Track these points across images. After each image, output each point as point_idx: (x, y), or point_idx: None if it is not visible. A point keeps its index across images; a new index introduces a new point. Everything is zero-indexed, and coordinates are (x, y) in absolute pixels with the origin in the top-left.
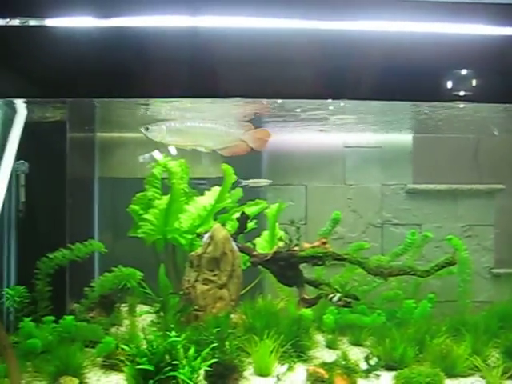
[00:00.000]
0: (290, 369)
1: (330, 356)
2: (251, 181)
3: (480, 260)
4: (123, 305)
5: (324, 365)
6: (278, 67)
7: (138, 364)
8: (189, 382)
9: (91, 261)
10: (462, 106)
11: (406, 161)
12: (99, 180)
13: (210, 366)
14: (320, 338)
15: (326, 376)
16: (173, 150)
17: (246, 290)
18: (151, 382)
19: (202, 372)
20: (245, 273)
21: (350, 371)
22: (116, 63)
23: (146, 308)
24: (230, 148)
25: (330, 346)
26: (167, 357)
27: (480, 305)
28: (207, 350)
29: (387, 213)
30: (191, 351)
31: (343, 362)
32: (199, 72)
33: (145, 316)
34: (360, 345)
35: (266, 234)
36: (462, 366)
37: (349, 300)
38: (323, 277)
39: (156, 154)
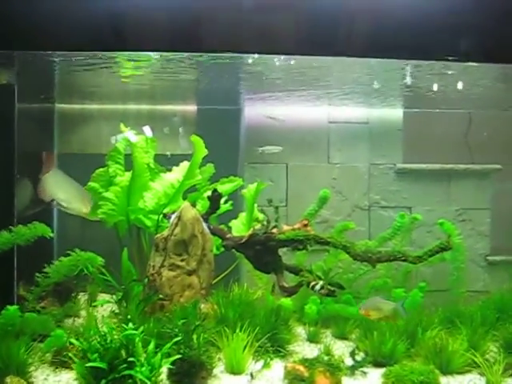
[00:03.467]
0: (265, 365)
1: (311, 351)
2: (266, 148)
3: (475, 246)
4: (82, 294)
5: (304, 361)
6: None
7: (89, 361)
8: (147, 381)
9: (47, 244)
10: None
11: (395, 138)
12: (59, 156)
13: (173, 363)
14: (301, 330)
15: (306, 374)
16: (148, 131)
17: (219, 277)
18: (103, 382)
19: (164, 370)
20: (218, 258)
21: (333, 368)
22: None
23: (108, 297)
24: None
25: (312, 339)
26: (123, 353)
27: (475, 295)
28: (169, 345)
29: (375, 194)
30: (151, 346)
31: (326, 358)
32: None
33: (107, 306)
34: (345, 338)
35: (243, 216)
36: (459, 362)
37: (333, 288)
38: (304, 264)
39: (129, 134)
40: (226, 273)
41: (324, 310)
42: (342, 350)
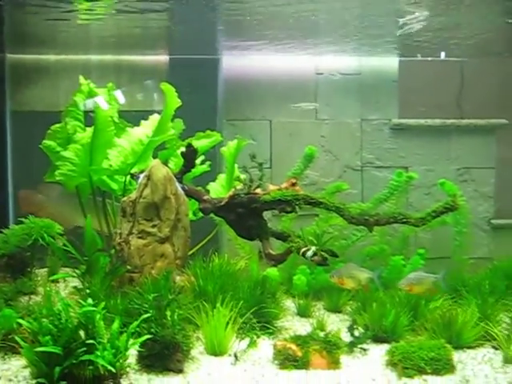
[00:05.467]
0: (251, 344)
1: (302, 326)
2: (303, 104)
3: (478, 209)
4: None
5: (296, 339)
6: None
7: (40, 345)
8: (110, 367)
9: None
10: None
11: (390, 90)
12: (12, 114)
13: (143, 344)
14: (290, 304)
15: (300, 353)
16: (121, 97)
17: (197, 246)
18: (58, 369)
19: (132, 353)
20: (197, 224)
21: (330, 346)
22: None
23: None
24: None
25: (302, 313)
26: (81, 334)
27: (478, 261)
28: (136, 324)
29: (368, 153)
30: (115, 325)
31: (321, 335)
32: None
33: (70, 282)
34: (339, 311)
35: (222, 177)
36: (470, 335)
37: (326, 255)
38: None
39: (99, 100)
40: (204, 241)
41: (315, 281)
42: (336, 324)
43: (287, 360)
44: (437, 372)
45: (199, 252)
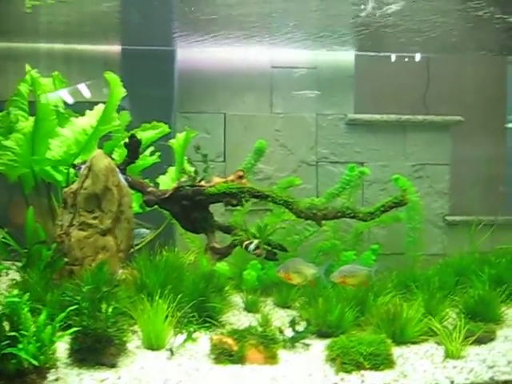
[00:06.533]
0: (188, 339)
1: (248, 321)
2: (299, 92)
3: (432, 205)
4: None
5: (233, 333)
6: None
7: None
8: (33, 361)
9: None
10: None
11: (346, 85)
12: None
13: (74, 338)
14: (238, 299)
15: (236, 347)
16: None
17: (146, 240)
18: None
19: (63, 346)
20: (148, 217)
21: (267, 341)
22: None
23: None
24: None
25: (250, 308)
26: (6, 326)
27: (432, 258)
28: (62, 316)
29: (323, 148)
30: (41, 317)
31: (259, 329)
32: None
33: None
34: (288, 307)
35: (172, 170)
36: (414, 331)
37: (269, 248)
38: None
39: (63, 93)
40: (154, 235)
41: (265, 276)
42: (283, 319)
43: (223, 354)
44: (375, 367)
45: (154, 246)
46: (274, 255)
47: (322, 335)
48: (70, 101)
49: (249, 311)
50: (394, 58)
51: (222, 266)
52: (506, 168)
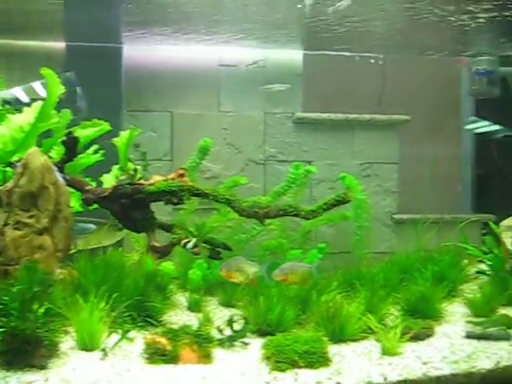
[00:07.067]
0: (122, 339)
1: (189, 321)
2: (270, 86)
3: (381, 204)
4: None
5: (168, 332)
6: None
7: None
8: None
9: None
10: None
11: (294, 84)
12: None
13: (1, 339)
14: (182, 298)
15: (169, 347)
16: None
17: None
18: None
19: None
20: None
21: (201, 340)
22: None
23: None
24: None
25: (193, 308)
26: None
27: (380, 256)
28: None
29: (271, 147)
30: None
31: (194, 329)
32: None
33: None
34: (232, 306)
35: (116, 168)
36: (354, 328)
37: (209, 247)
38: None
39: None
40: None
41: (211, 275)
42: (226, 318)
43: (156, 354)
44: (310, 365)
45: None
46: (218, 254)
47: (262, 334)
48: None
49: (192, 310)
50: (343, 57)
51: (167, 266)
52: (462, 168)
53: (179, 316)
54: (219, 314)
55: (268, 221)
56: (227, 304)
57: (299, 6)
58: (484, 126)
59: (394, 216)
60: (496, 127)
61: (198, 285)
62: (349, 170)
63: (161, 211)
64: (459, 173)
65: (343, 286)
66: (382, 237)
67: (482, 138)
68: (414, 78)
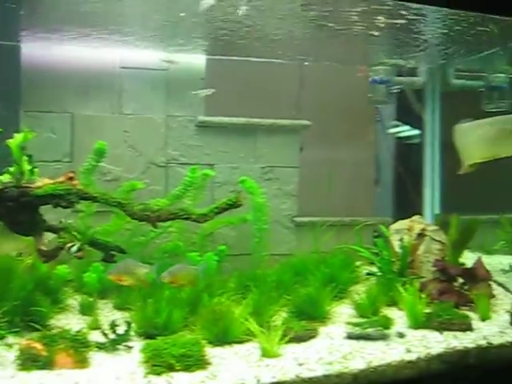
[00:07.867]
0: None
1: (79, 325)
2: (201, 91)
3: (281, 207)
4: None
5: (43, 337)
6: None
7: None
8: None
9: None
10: None
11: (197, 88)
12: None
13: None
14: (75, 302)
15: (44, 353)
16: None
17: None
18: None
19: None
20: None
21: (77, 344)
22: None
23: None
24: None
25: (85, 311)
26: None
27: (280, 258)
28: None
29: (173, 150)
30: None
31: (71, 333)
32: None
33: None
34: (125, 309)
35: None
36: (239, 331)
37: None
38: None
39: None
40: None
41: (107, 279)
42: (119, 321)
43: (29, 360)
44: (186, 368)
45: None
46: (111, 257)
47: (149, 337)
48: None
49: (84, 314)
50: (247, 62)
51: (62, 269)
52: (379, 171)
53: (69, 320)
54: (111, 317)
55: (168, 223)
56: (121, 307)
57: (199, 11)
58: (406, 131)
59: (295, 219)
60: (415, 132)
61: (93, 288)
62: (250, 174)
63: (62, 214)
64: (370, 176)
65: (238, 288)
66: (282, 239)
67: (400, 142)
68: (324, 84)
